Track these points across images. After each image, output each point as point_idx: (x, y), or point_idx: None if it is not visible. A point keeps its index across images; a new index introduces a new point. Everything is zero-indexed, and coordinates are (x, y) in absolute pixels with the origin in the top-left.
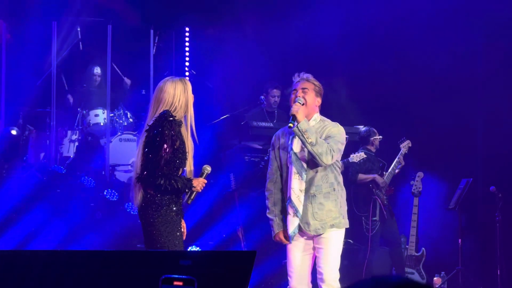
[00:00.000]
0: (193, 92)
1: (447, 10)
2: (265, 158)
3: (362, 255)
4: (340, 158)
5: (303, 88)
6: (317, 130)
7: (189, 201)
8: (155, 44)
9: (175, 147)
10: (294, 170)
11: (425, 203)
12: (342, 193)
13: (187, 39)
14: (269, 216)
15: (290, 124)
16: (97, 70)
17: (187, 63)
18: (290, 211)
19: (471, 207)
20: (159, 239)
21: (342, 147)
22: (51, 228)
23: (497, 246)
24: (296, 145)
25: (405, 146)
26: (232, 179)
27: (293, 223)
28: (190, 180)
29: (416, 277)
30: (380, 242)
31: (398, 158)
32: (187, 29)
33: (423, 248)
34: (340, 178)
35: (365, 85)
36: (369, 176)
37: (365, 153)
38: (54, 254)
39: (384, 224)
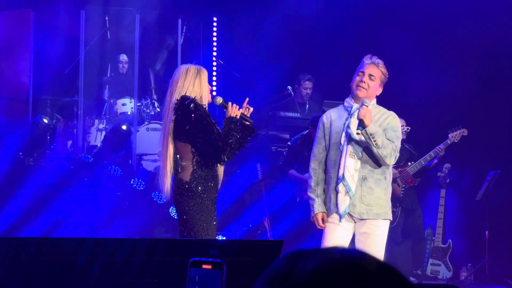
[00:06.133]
0: (221, 81)
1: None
2: (288, 143)
3: None
4: None
5: (370, 75)
6: (375, 116)
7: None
8: (183, 34)
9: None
10: (350, 149)
11: (452, 195)
12: (390, 184)
13: (215, 29)
14: (311, 195)
15: (358, 131)
16: (123, 57)
17: (214, 53)
18: (342, 189)
19: (498, 199)
20: (193, 227)
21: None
22: (78, 217)
23: None
24: (354, 125)
25: (454, 136)
26: (259, 169)
27: (344, 202)
28: (229, 118)
29: (442, 268)
30: (402, 234)
31: (434, 151)
32: (215, 19)
33: (450, 240)
34: (391, 170)
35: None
36: None
37: None
38: (82, 241)
39: (407, 216)
